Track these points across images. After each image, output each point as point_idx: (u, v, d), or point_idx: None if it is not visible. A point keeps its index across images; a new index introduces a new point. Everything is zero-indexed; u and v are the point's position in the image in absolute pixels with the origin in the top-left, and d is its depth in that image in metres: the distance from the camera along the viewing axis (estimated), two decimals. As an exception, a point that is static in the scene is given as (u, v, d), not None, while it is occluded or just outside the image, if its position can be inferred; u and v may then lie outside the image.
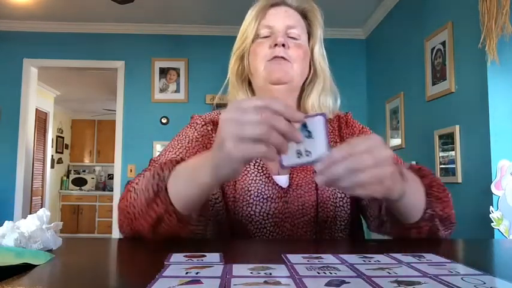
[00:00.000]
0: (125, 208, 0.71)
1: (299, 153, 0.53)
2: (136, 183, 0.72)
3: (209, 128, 0.91)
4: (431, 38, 2.63)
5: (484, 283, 0.42)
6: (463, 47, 2.31)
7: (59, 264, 0.53)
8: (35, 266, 0.49)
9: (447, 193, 0.72)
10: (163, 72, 4.01)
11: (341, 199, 0.84)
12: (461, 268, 0.49)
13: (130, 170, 3.92)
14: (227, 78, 0.95)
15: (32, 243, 0.57)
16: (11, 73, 3.93)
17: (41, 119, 5.94)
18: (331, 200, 0.84)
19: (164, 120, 3.97)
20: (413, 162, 2.72)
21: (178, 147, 0.85)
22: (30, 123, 4.07)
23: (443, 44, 2.49)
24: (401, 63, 3.21)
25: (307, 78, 0.92)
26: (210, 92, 3.90)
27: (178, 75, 4.02)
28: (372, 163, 0.52)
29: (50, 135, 6.44)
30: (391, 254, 0.56)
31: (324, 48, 0.94)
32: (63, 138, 7.58)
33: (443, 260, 0.53)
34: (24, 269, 0.47)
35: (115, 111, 4.13)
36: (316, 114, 0.54)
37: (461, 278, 0.43)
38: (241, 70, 0.93)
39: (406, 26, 3.11)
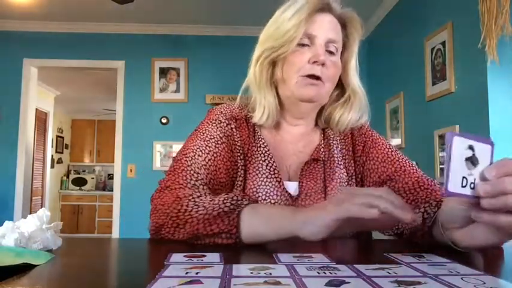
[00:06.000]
0: (175, 214, 0.69)
1: (464, 182, 0.49)
2: (198, 197, 0.70)
3: (232, 126, 0.88)
4: (431, 38, 2.63)
5: (484, 283, 0.42)
6: (463, 47, 2.31)
7: (59, 264, 0.53)
8: (35, 266, 0.49)
9: None
10: (163, 72, 4.01)
11: None
12: (461, 268, 0.49)
13: (131, 170, 3.91)
14: (246, 81, 0.91)
15: (32, 243, 0.57)
16: (11, 73, 3.93)
17: (41, 119, 5.94)
18: None
19: (164, 120, 3.97)
20: (414, 163, 2.71)
21: (207, 151, 0.82)
22: (30, 123, 4.07)
23: (443, 44, 2.48)
24: (401, 63, 3.20)
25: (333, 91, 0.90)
26: (210, 92, 3.89)
27: (178, 75, 4.01)
28: None
29: (50, 135, 6.43)
30: (391, 254, 0.56)
31: (357, 62, 0.91)
32: (63, 138, 7.57)
33: (443, 260, 0.53)
34: (24, 269, 0.47)
35: (115, 111, 4.13)
36: (486, 140, 0.50)
37: (461, 278, 0.43)
38: (271, 74, 0.88)
39: (406, 26, 3.11)
